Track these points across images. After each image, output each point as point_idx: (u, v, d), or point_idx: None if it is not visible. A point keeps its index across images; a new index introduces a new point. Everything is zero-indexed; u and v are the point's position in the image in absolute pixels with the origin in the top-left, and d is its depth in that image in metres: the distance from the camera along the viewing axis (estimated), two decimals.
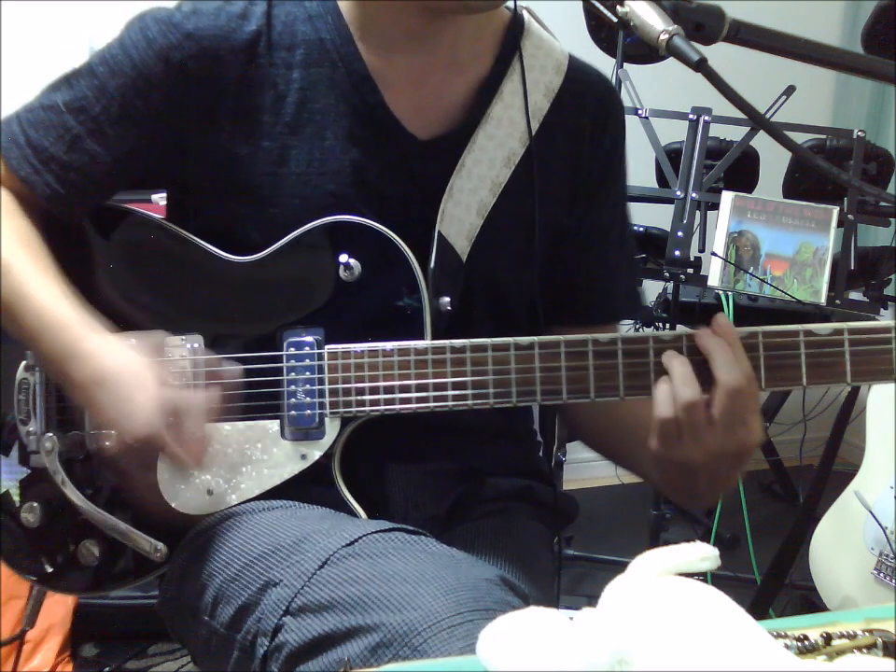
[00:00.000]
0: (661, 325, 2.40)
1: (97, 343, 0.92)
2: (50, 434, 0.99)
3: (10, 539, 1.05)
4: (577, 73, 1.09)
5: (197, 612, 0.94)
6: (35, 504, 1.03)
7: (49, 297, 0.94)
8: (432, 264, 0.99)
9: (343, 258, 0.98)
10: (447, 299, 0.99)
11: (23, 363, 1.03)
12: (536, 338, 0.95)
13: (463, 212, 1.02)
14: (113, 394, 0.91)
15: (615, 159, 1.13)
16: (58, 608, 1.95)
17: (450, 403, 0.95)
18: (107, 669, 2.02)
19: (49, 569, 1.04)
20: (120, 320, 0.99)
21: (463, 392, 0.95)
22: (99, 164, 1.00)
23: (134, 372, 0.92)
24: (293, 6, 1.01)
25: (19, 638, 1.82)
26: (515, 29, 1.06)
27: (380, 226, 0.97)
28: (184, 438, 0.93)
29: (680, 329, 0.95)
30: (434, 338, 0.97)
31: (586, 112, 1.09)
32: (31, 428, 1.02)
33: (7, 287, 0.95)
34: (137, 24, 0.99)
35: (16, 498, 1.04)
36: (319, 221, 0.98)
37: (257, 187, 1.00)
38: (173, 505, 0.99)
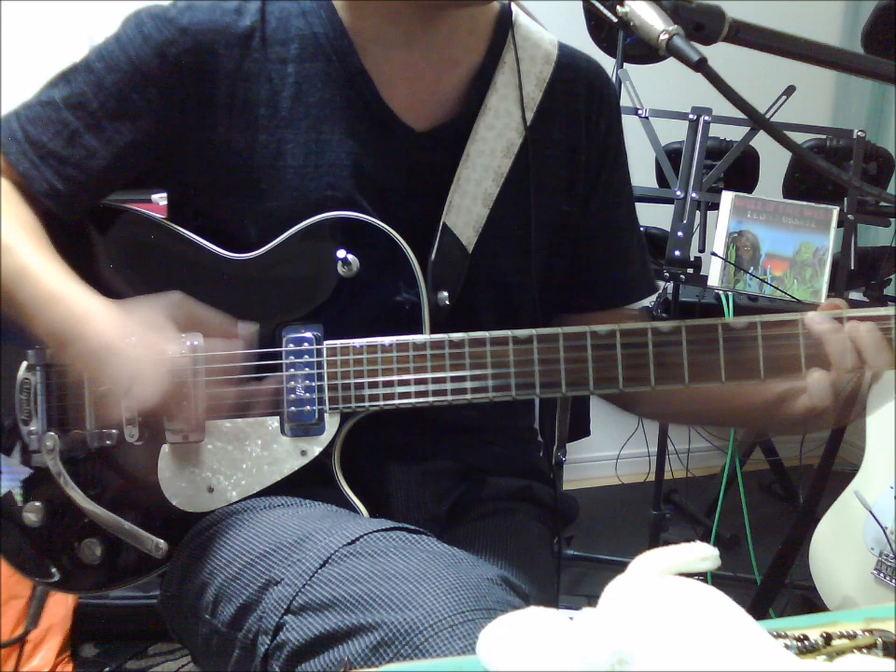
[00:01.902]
0: None
1: (105, 311, 0.93)
2: (52, 433, 0.99)
3: (13, 540, 1.05)
4: (567, 60, 1.10)
5: (198, 611, 0.94)
6: (38, 504, 1.03)
7: (52, 272, 0.95)
8: (433, 257, 1.00)
9: (341, 253, 0.98)
10: (445, 293, 1.00)
11: (24, 363, 1.03)
12: (534, 330, 0.95)
13: (470, 202, 1.02)
14: (122, 357, 0.91)
15: (612, 142, 1.13)
16: (58, 608, 1.95)
17: (449, 397, 0.95)
18: (107, 669, 2.02)
19: (52, 569, 1.04)
20: None
21: (462, 385, 0.95)
22: (97, 159, 1.00)
23: (144, 338, 0.92)
24: (287, 2, 1.02)
25: (21, 639, 1.82)
26: (505, 21, 1.07)
27: (378, 221, 0.97)
28: (188, 408, 0.94)
29: None
30: (433, 332, 0.97)
31: (579, 99, 1.10)
32: (32, 428, 1.02)
33: (9, 266, 0.95)
34: (133, 20, 1.00)
35: (18, 499, 1.04)
36: (316, 218, 0.98)
37: (255, 181, 1.00)
38: (174, 503, 1.00)
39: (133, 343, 0.92)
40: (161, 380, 0.91)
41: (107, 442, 1.00)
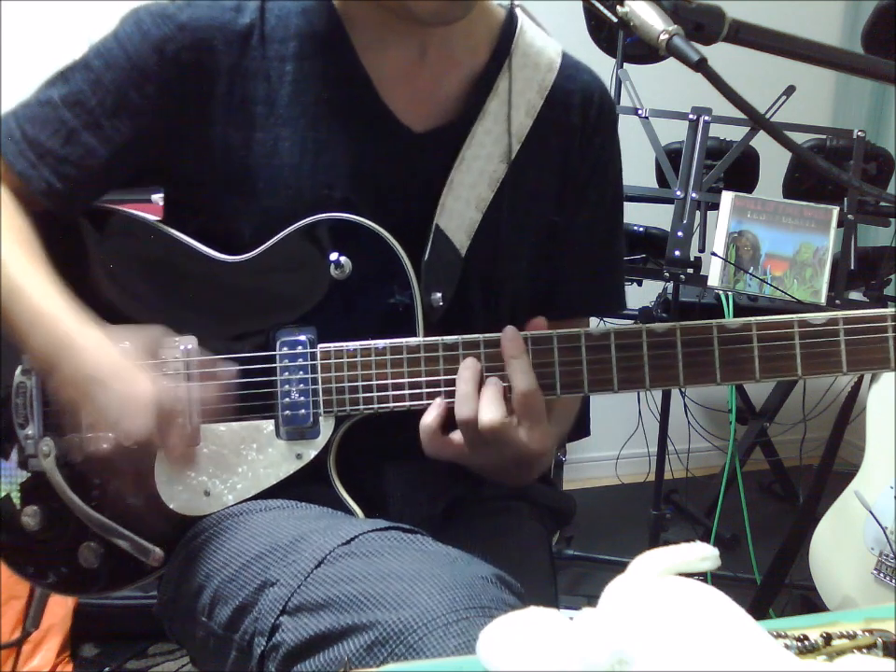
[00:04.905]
0: None
1: (92, 339, 0.92)
2: (48, 438, 0.99)
3: (12, 543, 1.04)
4: (570, 70, 1.09)
5: (195, 613, 0.94)
6: (36, 508, 1.02)
7: (43, 293, 0.94)
8: (426, 258, 0.99)
9: (334, 256, 0.98)
10: (439, 294, 0.99)
11: (20, 367, 1.02)
12: (528, 332, 0.94)
13: (463, 206, 1.02)
14: (109, 391, 0.90)
15: (604, 159, 1.12)
16: (58, 608, 1.95)
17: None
18: (107, 669, 2.02)
19: (51, 572, 1.04)
20: (114, 322, 0.98)
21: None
22: (95, 157, 1.00)
23: (130, 370, 0.92)
24: (287, 1, 1.02)
25: (21, 640, 1.82)
26: (510, 27, 1.06)
27: (371, 223, 0.97)
28: (177, 438, 0.93)
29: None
30: (427, 334, 0.97)
31: (577, 110, 1.09)
32: (29, 432, 1.02)
33: (4, 283, 0.94)
34: (132, 17, 1.00)
35: (16, 502, 1.03)
36: (309, 220, 0.98)
37: (251, 178, 1.00)
38: (171, 506, 0.99)
39: (119, 373, 0.90)
40: (149, 413, 0.90)
41: (104, 446, 0.99)
